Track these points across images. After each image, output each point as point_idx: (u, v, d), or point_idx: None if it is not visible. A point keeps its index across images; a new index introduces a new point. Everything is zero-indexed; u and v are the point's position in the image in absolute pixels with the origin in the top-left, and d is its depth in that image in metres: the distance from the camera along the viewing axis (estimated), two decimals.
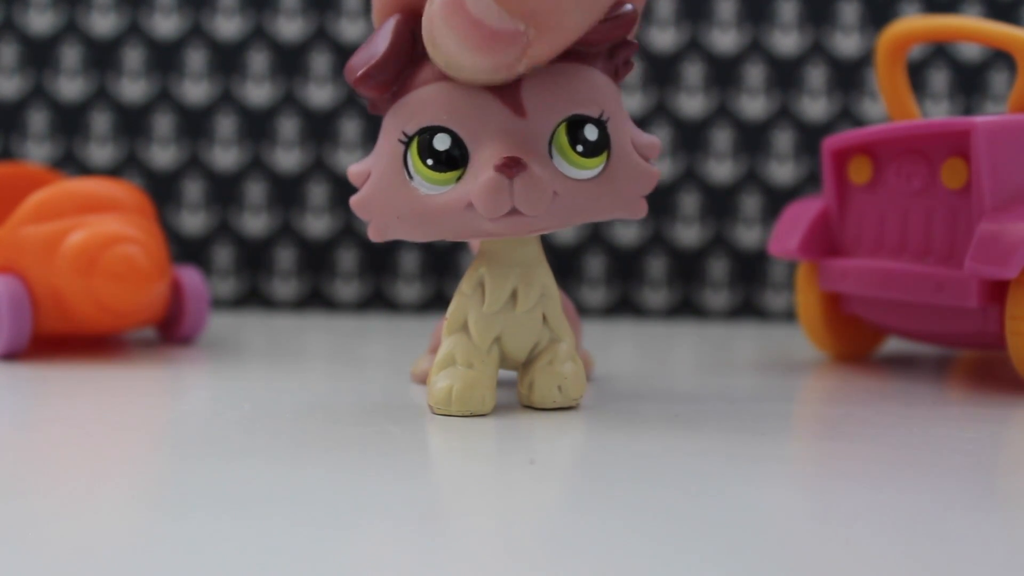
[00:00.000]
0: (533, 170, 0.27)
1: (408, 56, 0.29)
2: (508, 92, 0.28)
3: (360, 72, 0.28)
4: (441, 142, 0.28)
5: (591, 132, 0.28)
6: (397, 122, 0.29)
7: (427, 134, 0.28)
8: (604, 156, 0.29)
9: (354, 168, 0.30)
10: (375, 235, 0.29)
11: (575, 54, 0.29)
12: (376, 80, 0.28)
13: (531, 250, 0.30)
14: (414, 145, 0.28)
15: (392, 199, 0.29)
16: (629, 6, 0.29)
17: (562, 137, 0.28)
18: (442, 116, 0.28)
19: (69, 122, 0.57)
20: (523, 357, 0.31)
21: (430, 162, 0.28)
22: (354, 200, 0.29)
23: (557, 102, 0.28)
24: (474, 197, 0.27)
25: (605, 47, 0.29)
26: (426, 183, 0.28)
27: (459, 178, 0.28)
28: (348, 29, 0.57)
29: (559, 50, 0.28)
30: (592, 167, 0.29)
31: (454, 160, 0.28)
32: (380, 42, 0.29)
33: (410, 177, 0.28)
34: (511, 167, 0.27)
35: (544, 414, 0.30)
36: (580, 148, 0.28)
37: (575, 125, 0.28)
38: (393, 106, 0.29)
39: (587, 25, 0.28)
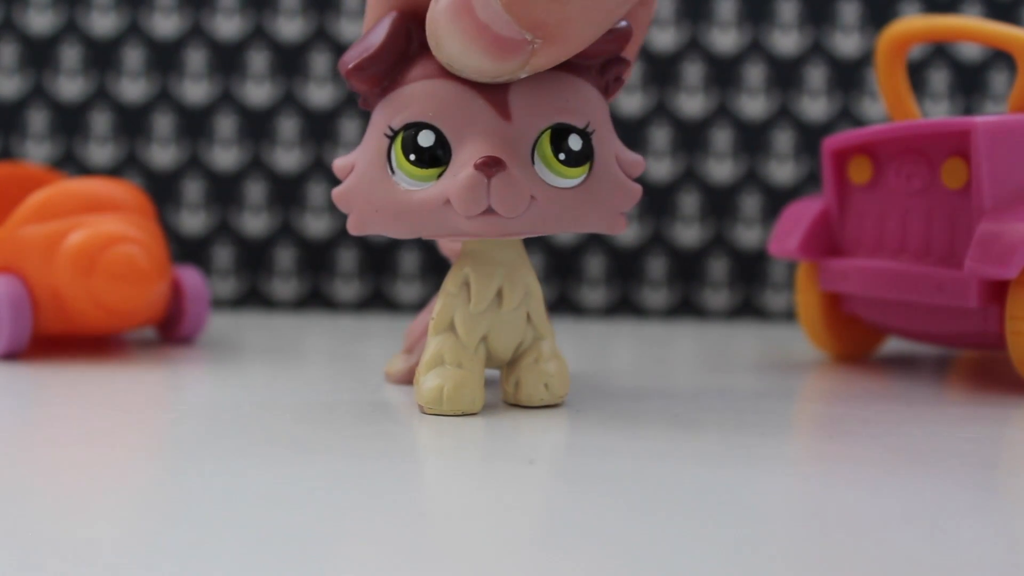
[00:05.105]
0: (512, 171, 0.28)
1: (401, 52, 0.29)
2: (496, 95, 0.28)
3: (352, 64, 0.29)
4: (425, 139, 0.28)
5: (575, 142, 0.29)
6: (384, 117, 0.29)
7: (412, 130, 0.29)
8: (587, 167, 0.29)
9: (339, 161, 0.30)
10: (353, 228, 0.29)
11: (567, 64, 0.29)
12: (368, 73, 0.29)
13: (514, 250, 0.30)
14: (399, 140, 0.29)
15: (373, 192, 0.29)
16: (624, 23, 0.29)
17: (545, 144, 0.29)
18: (428, 113, 0.28)
19: (69, 122, 0.57)
20: (508, 356, 0.31)
21: (412, 157, 0.28)
22: (336, 192, 0.30)
23: (544, 109, 0.29)
24: (451, 194, 0.28)
25: (598, 61, 0.30)
26: (407, 178, 0.29)
27: (440, 175, 0.28)
28: (348, 29, 0.57)
29: (560, 61, 0.28)
30: (573, 176, 0.29)
31: (436, 158, 0.28)
32: (375, 37, 0.29)
33: (392, 172, 0.29)
34: (490, 166, 0.27)
35: (532, 412, 0.30)
36: (562, 156, 0.29)
37: (560, 134, 0.29)
38: (381, 101, 0.29)
39: (591, 39, 0.28)
